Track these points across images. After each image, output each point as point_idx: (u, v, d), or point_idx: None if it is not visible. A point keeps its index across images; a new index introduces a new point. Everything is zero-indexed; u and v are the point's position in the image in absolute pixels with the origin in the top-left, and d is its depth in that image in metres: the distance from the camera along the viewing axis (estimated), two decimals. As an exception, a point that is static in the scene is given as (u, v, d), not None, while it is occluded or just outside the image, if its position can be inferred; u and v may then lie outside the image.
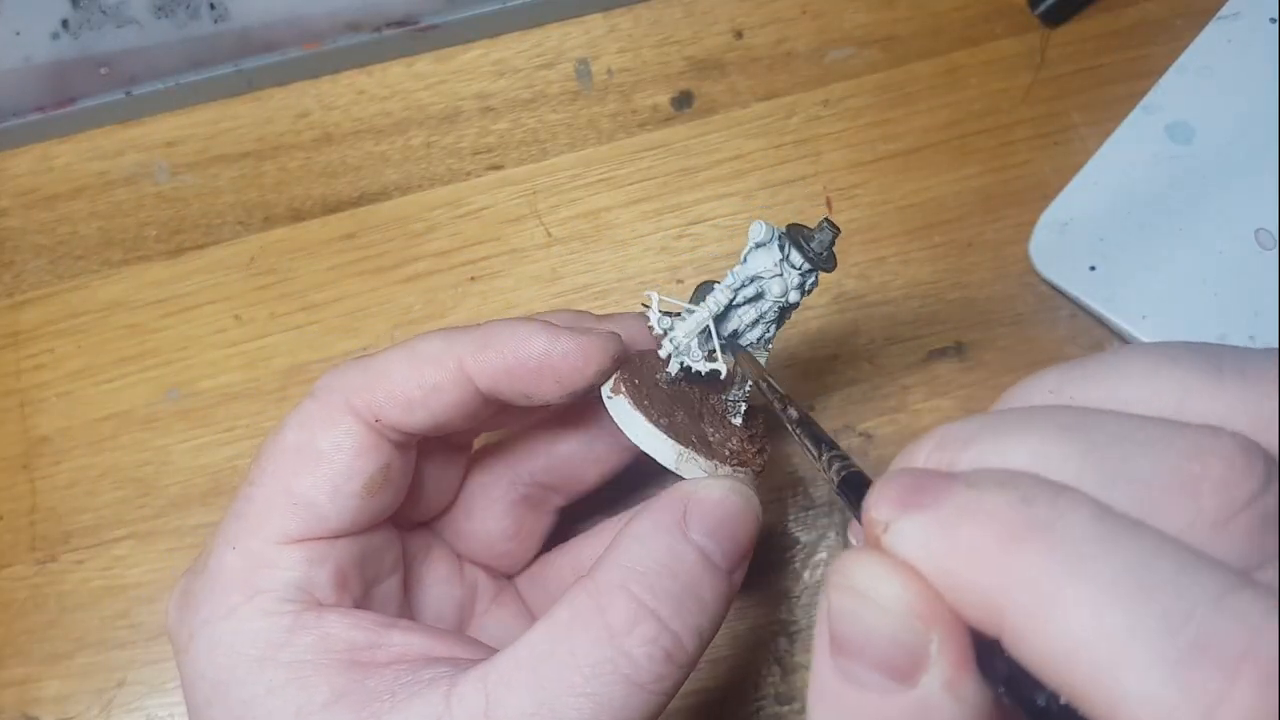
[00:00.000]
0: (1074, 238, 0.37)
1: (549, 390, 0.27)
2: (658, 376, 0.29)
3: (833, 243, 0.28)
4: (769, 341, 0.30)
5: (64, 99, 0.43)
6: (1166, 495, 0.16)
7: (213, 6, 0.43)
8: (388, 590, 0.30)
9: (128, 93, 0.43)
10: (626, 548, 0.26)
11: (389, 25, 0.43)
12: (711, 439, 0.29)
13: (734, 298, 0.28)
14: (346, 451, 0.27)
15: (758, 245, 0.28)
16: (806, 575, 0.36)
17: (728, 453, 0.28)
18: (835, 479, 0.22)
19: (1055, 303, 0.38)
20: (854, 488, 0.21)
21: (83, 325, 0.42)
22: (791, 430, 0.25)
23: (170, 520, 0.39)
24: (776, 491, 0.37)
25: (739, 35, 0.42)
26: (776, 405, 0.26)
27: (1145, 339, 0.35)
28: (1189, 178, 0.37)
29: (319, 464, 0.27)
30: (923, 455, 0.19)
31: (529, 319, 0.28)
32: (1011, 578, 0.15)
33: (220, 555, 0.27)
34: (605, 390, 0.28)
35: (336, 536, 0.27)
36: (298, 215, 0.42)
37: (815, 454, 0.23)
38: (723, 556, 0.26)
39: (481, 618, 0.33)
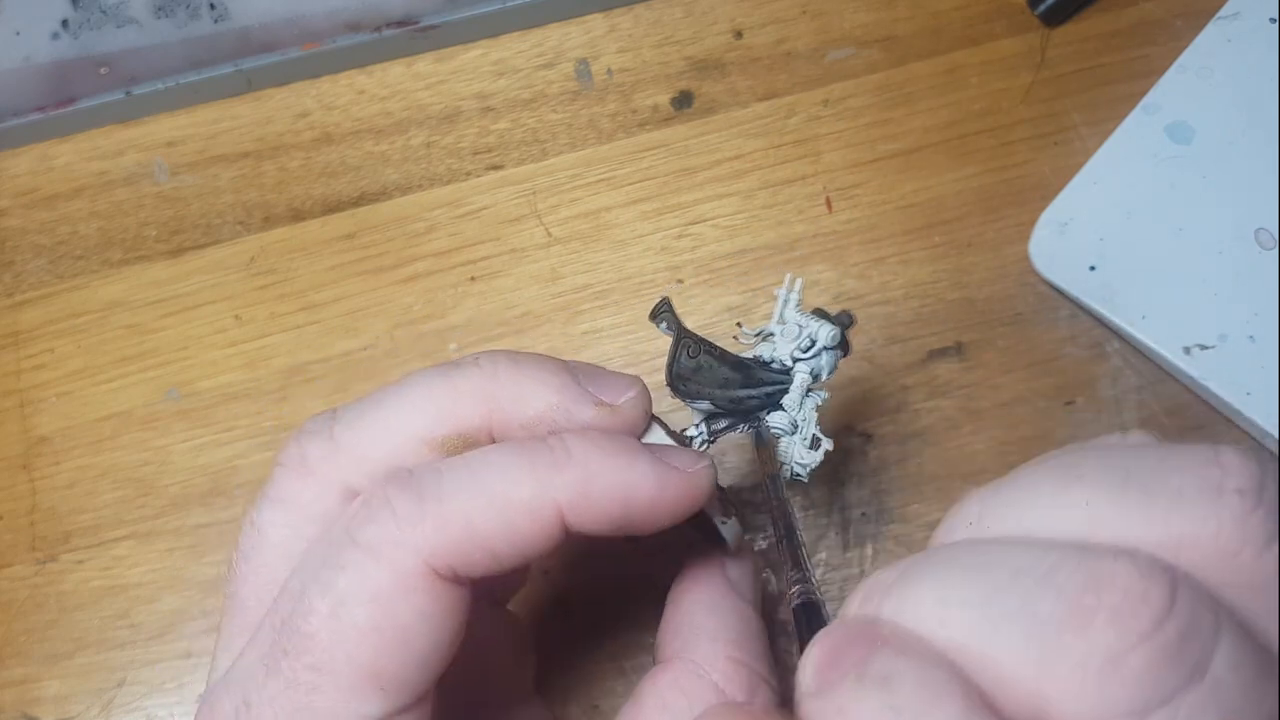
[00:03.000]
0: (1074, 238, 0.37)
1: (643, 530, 0.25)
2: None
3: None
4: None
5: (64, 99, 0.43)
6: (1063, 634, 0.16)
7: (213, 6, 0.43)
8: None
9: (127, 93, 0.43)
10: (704, 621, 0.26)
11: (389, 25, 0.43)
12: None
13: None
14: (435, 619, 0.23)
15: (826, 349, 0.27)
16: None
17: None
18: (792, 601, 0.23)
19: (1055, 303, 0.38)
20: (809, 616, 0.22)
21: (83, 325, 0.42)
22: (778, 532, 0.26)
23: (170, 520, 0.39)
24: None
25: (739, 35, 0.42)
26: (775, 505, 0.26)
27: (1145, 339, 0.35)
28: (1189, 178, 0.37)
29: (408, 642, 0.23)
30: (855, 604, 0.19)
31: (627, 443, 0.25)
32: None
33: None
34: (716, 516, 0.27)
35: (423, 698, 0.24)
36: (298, 215, 0.42)
37: (791, 571, 0.24)
38: (759, 602, 0.28)
39: None
